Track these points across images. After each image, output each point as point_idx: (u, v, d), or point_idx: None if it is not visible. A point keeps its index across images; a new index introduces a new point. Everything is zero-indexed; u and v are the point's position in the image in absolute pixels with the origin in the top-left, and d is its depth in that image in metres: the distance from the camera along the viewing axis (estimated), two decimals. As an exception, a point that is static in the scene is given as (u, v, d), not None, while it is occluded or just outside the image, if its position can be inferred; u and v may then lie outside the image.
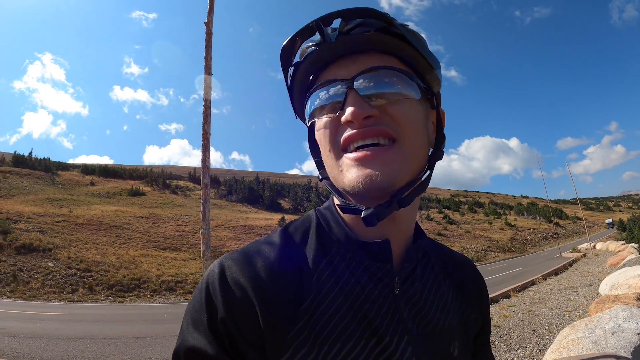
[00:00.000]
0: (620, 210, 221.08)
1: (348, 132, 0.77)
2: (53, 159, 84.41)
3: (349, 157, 0.77)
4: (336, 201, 0.89)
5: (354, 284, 0.81)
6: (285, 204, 75.41)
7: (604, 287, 11.91)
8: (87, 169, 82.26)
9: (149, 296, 25.06)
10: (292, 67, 0.84)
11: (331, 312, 0.78)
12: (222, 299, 0.75)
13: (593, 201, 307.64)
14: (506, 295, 15.22)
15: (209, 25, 6.63)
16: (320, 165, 0.92)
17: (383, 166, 0.74)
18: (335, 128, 0.79)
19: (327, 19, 0.77)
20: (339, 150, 0.79)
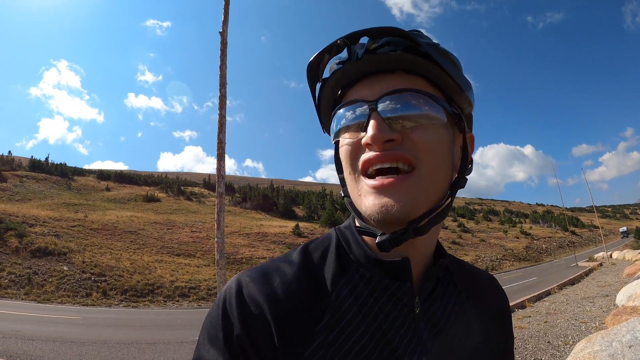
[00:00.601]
0: (637, 218, 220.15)
1: (367, 155, 0.75)
2: (69, 164, 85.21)
3: (368, 183, 0.76)
4: (356, 221, 0.88)
5: (373, 303, 0.81)
6: (299, 211, 75.12)
7: (621, 298, 11.73)
8: (102, 175, 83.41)
9: (162, 302, 25.24)
10: (320, 83, 0.84)
11: (349, 331, 0.77)
12: (238, 316, 0.76)
13: (609, 209, 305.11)
14: (521, 306, 15.09)
15: (223, 35, 6.63)
16: (343, 182, 0.90)
17: (400, 196, 0.73)
18: (356, 150, 0.78)
19: (354, 37, 0.77)
20: (359, 172, 0.78)
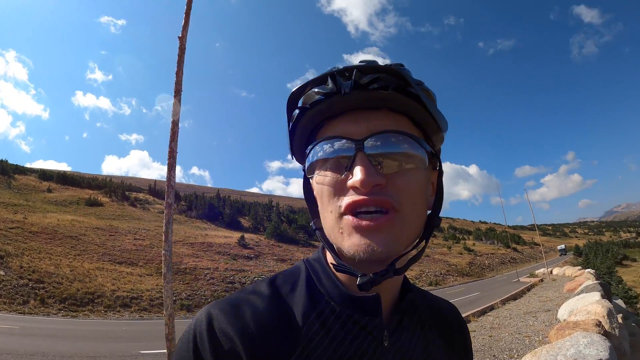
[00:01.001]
0: (576, 236, 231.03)
1: (354, 198, 0.74)
2: (10, 161, 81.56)
3: (351, 222, 0.75)
4: (328, 256, 0.89)
5: (344, 337, 0.81)
6: (245, 222, 74.19)
7: (563, 313, 12.12)
8: (45, 175, 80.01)
9: (102, 312, 24.50)
10: (298, 110, 0.81)
11: None
12: (210, 349, 0.74)
13: (550, 227, 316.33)
14: (466, 320, 15.35)
15: (183, 40, 6.43)
16: (314, 213, 0.90)
17: (384, 237, 0.73)
18: (339, 190, 0.77)
19: (343, 72, 0.76)
20: (341, 212, 0.76)
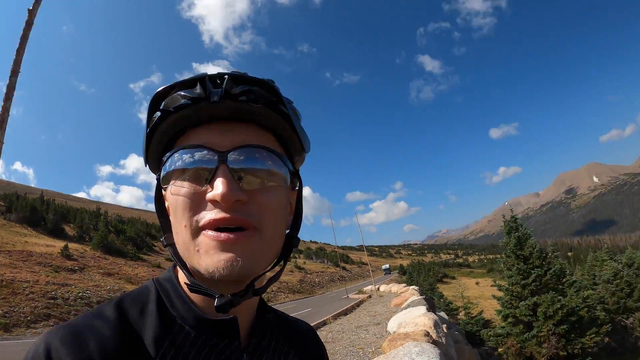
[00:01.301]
0: (401, 257, 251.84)
1: (213, 215, 0.70)
2: None
3: (210, 236, 0.71)
4: (181, 276, 0.83)
5: None
6: (70, 230, 68.03)
7: (392, 325, 12.83)
8: None
9: None
10: (160, 112, 0.76)
11: None
12: None
13: (377, 248, 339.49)
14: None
15: (32, 14, 5.73)
16: (166, 228, 0.83)
17: (243, 252, 0.71)
18: (196, 204, 0.72)
19: (214, 79, 0.74)
20: (197, 227, 0.72)
